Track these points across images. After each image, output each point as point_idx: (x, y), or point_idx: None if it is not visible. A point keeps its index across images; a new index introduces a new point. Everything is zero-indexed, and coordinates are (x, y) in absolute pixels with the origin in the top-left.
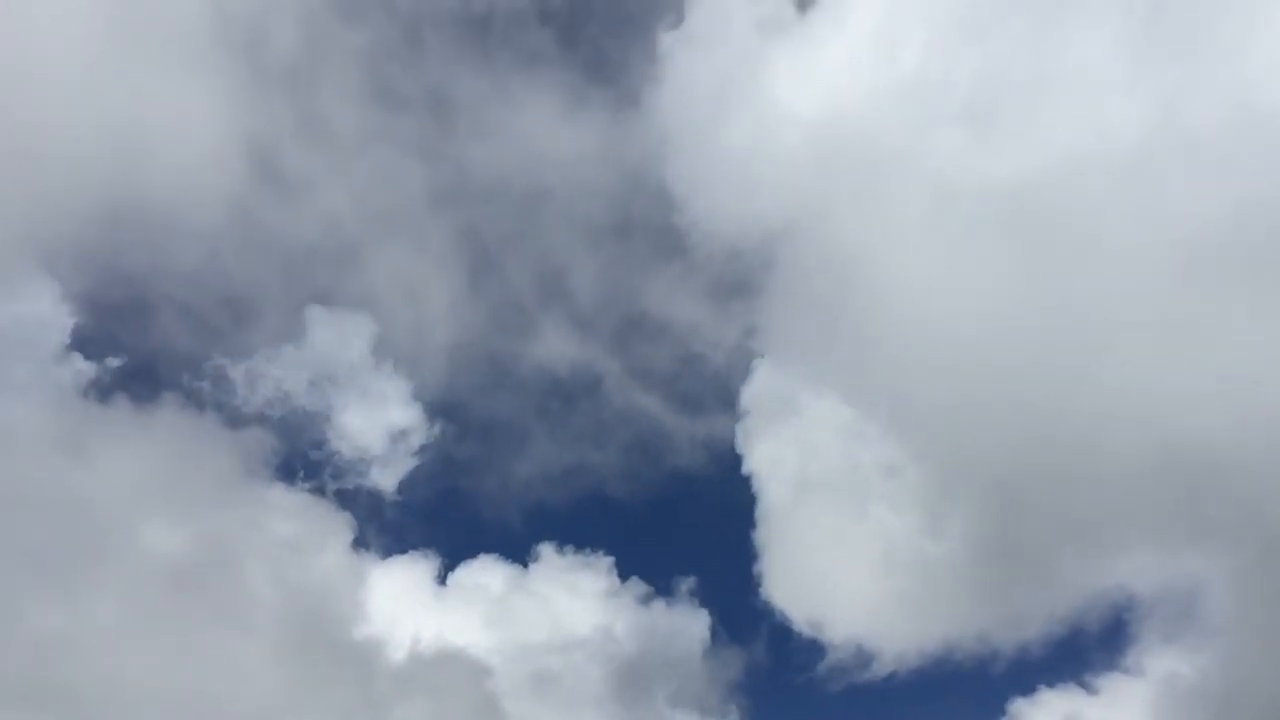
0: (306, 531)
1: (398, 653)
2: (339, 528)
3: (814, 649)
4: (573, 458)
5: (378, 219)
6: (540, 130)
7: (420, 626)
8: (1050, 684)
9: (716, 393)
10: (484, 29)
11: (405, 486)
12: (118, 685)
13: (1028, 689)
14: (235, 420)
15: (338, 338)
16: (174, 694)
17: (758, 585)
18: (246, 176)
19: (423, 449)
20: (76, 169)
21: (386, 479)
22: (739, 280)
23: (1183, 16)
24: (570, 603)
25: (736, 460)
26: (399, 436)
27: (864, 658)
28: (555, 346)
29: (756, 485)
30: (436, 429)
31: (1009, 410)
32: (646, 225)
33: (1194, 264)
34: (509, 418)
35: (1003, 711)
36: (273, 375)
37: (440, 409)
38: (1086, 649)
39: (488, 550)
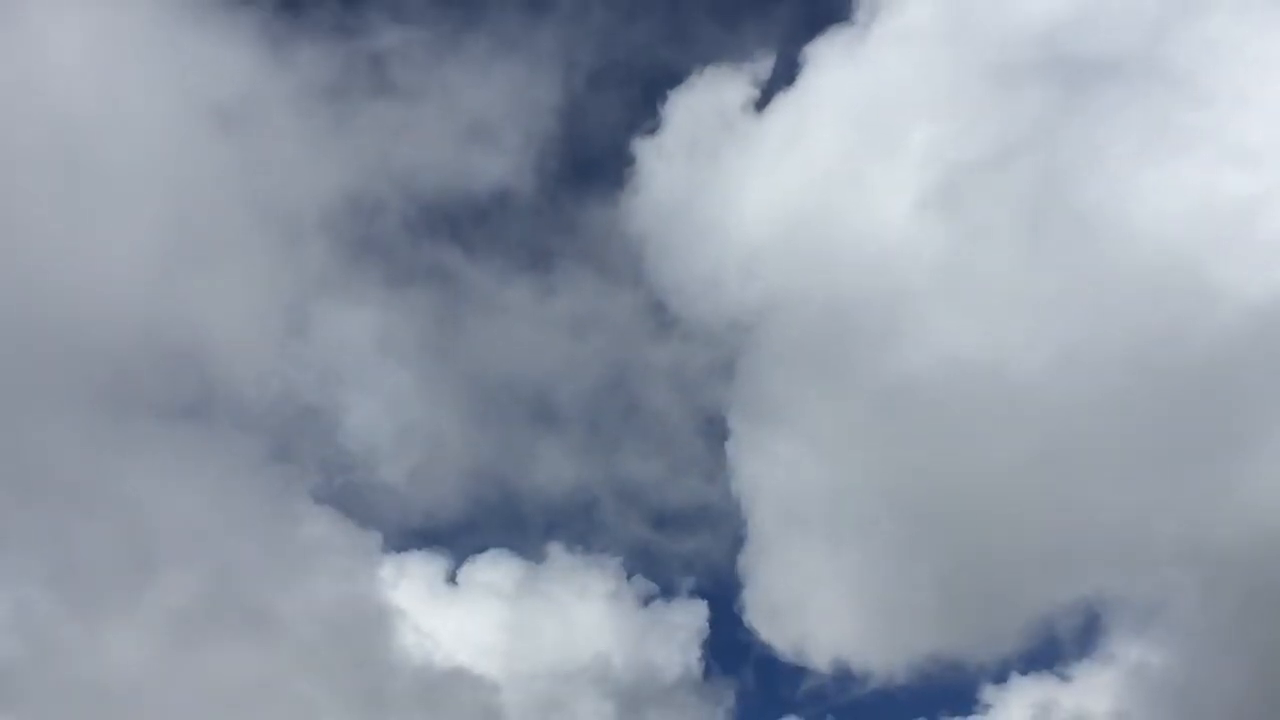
0: (318, 537)
1: (410, 661)
2: (349, 530)
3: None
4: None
5: (393, 361)
6: (533, 298)
7: (432, 630)
8: (1024, 672)
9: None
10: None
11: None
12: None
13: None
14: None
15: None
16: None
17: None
18: (281, 342)
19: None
20: (138, 332)
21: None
22: (721, 354)
23: (1060, 250)
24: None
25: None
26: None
27: (847, 677)
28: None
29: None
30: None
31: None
32: (632, 323)
33: (1058, 444)
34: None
35: (976, 701)
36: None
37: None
38: (1060, 641)
39: (498, 545)
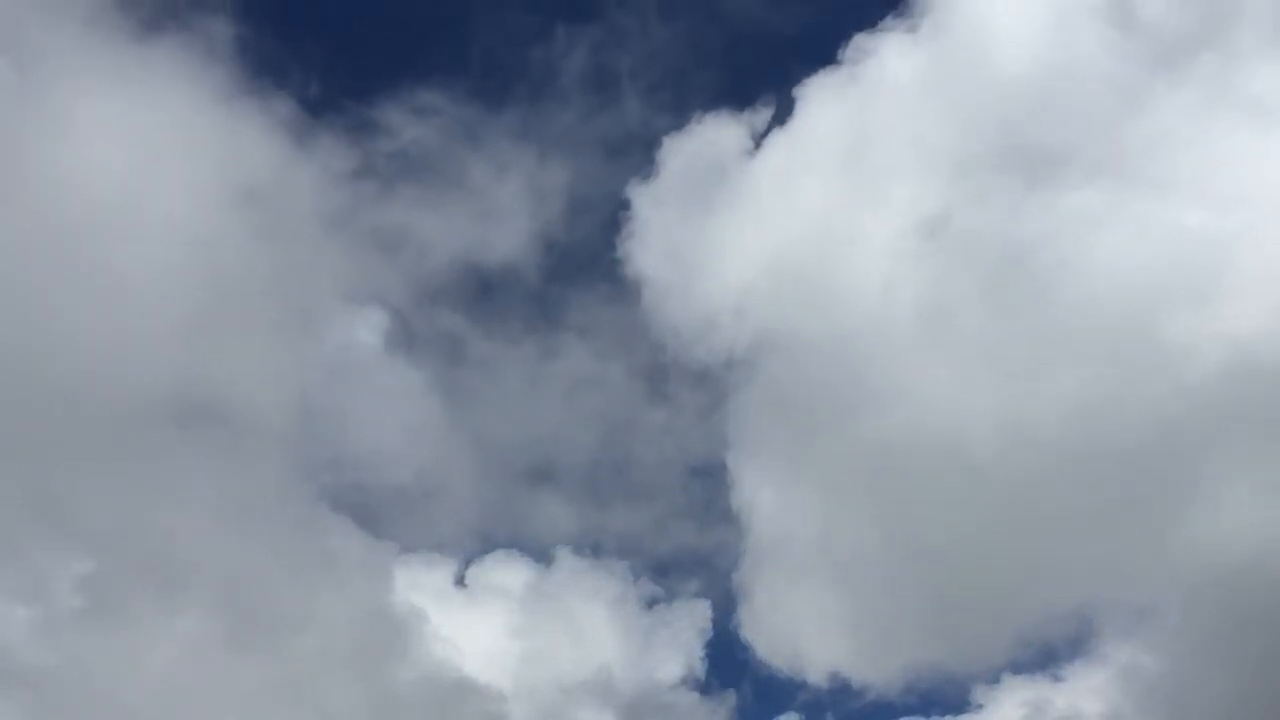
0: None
1: (418, 670)
2: (353, 533)
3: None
4: None
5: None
6: (536, 358)
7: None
8: (1016, 672)
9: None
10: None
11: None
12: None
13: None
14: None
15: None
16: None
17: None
18: (301, 389)
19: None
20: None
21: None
22: (714, 388)
23: (1021, 343)
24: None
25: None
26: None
27: (845, 690)
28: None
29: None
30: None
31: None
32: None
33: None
34: None
35: (969, 702)
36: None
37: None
38: (1053, 643)
39: (506, 546)
